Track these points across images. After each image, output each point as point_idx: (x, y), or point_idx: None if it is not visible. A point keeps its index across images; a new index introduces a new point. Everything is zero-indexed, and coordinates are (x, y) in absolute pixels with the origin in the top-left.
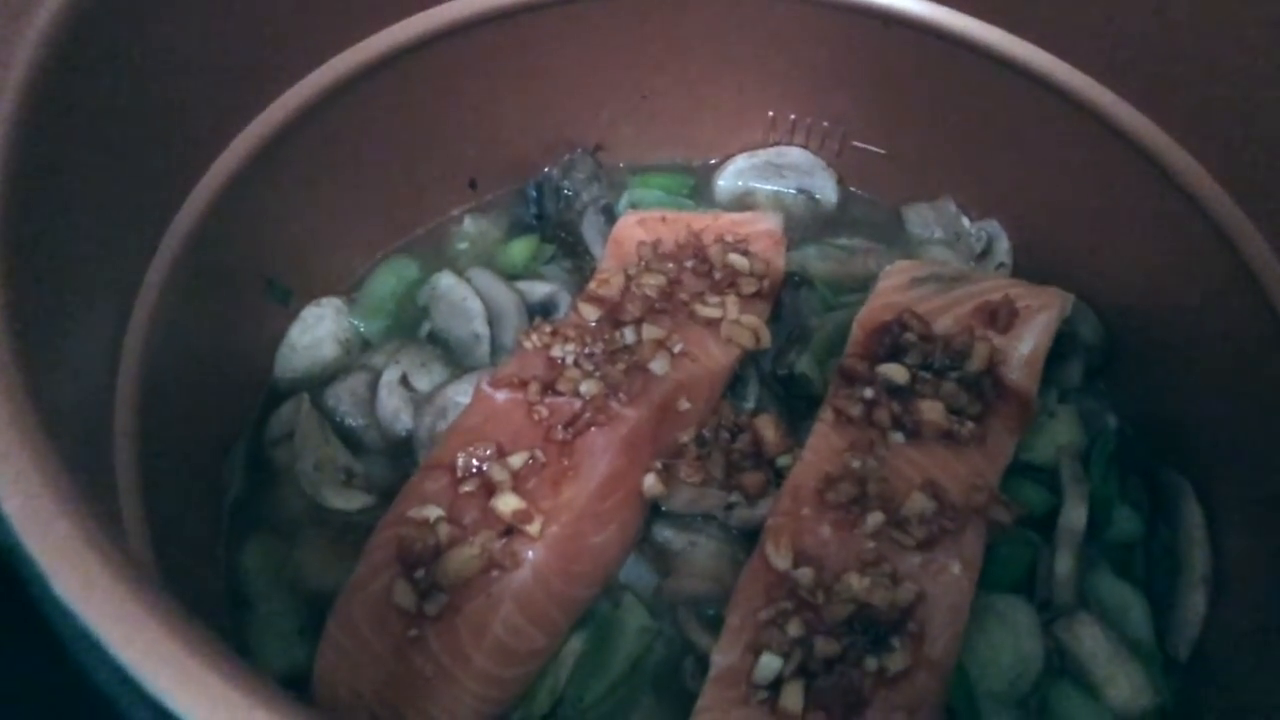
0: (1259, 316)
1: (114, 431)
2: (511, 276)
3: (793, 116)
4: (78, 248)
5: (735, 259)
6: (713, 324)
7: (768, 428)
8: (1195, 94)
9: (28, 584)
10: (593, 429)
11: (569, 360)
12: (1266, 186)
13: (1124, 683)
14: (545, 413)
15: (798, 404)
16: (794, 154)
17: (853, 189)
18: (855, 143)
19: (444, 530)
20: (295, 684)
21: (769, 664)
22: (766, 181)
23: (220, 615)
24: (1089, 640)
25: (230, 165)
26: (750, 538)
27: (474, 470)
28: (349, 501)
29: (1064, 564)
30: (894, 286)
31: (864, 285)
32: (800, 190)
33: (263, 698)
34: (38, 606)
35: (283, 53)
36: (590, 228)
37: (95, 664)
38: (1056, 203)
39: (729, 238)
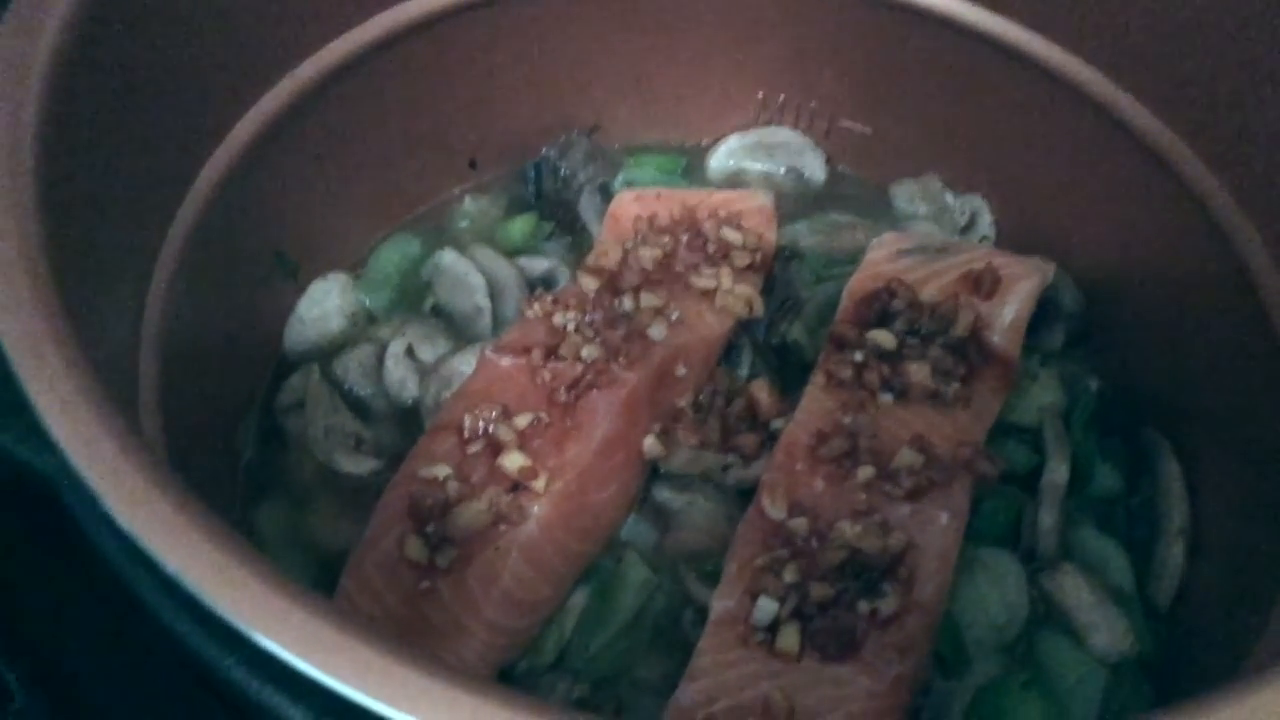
0: (1232, 281)
1: (139, 403)
2: (511, 253)
3: (782, 97)
4: (104, 220)
5: (729, 233)
6: (708, 294)
7: (762, 392)
8: (1171, 67)
9: (73, 508)
10: (594, 391)
11: (570, 327)
12: (1239, 154)
13: (1106, 630)
14: (548, 376)
15: (790, 371)
16: (784, 134)
17: (841, 167)
18: (843, 122)
19: (453, 487)
20: None
21: (766, 607)
22: (757, 161)
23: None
24: (1072, 590)
25: (240, 142)
26: (746, 496)
27: (481, 431)
28: (359, 465)
29: (1048, 517)
30: (882, 257)
31: (853, 258)
32: (790, 169)
33: (303, 601)
34: (84, 528)
35: (288, 34)
36: (587, 206)
37: (141, 579)
38: (1037, 177)
39: (722, 213)
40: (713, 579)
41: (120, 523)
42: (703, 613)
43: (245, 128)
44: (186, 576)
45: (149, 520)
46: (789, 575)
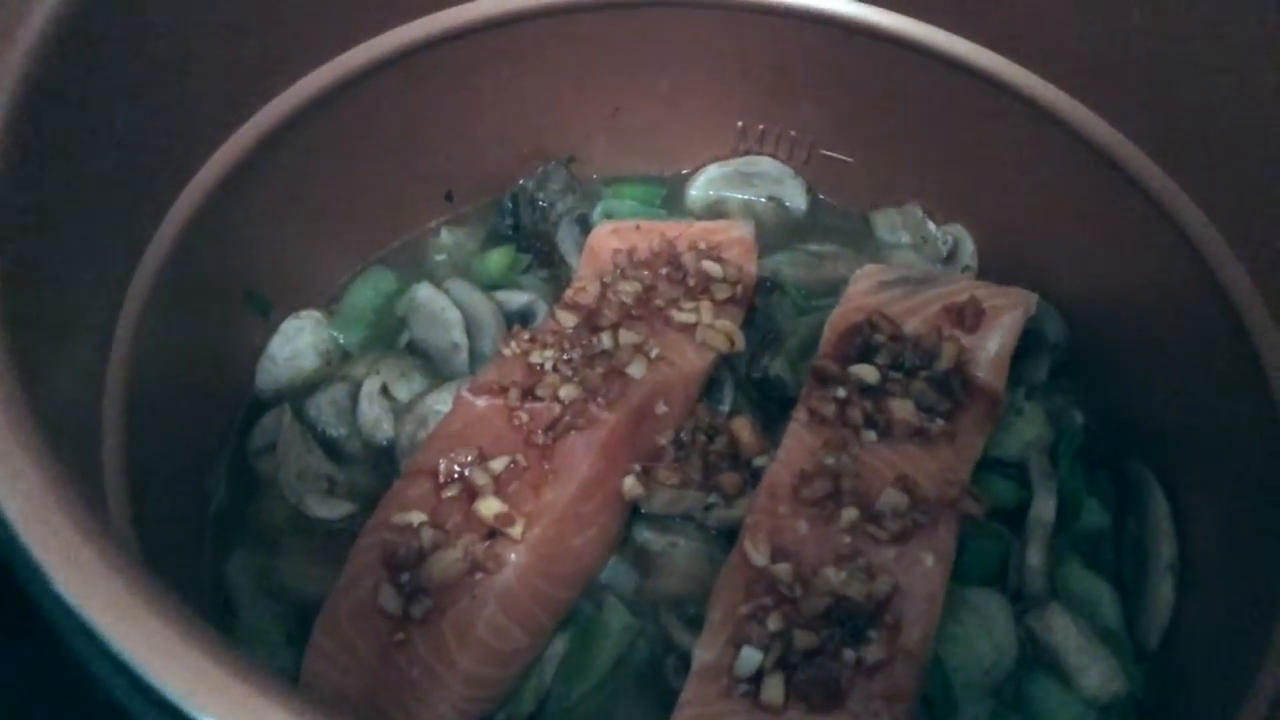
0: (1217, 312)
1: (101, 442)
2: (489, 287)
3: (761, 126)
4: (65, 260)
5: (709, 265)
6: (688, 329)
7: (744, 429)
8: (1153, 97)
9: (26, 582)
10: (572, 433)
11: (548, 366)
12: (1223, 185)
13: (1095, 671)
14: (525, 417)
15: (772, 406)
16: (763, 163)
17: (821, 196)
18: (823, 151)
19: (427, 534)
20: None
21: (750, 657)
22: (737, 190)
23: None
24: (1060, 630)
25: (209, 179)
26: (728, 537)
27: (456, 475)
28: (332, 510)
29: (1035, 556)
30: (864, 290)
31: (834, 289)
32: (770, 198)
33: (259, 684)
34: (35, 603)
35: (259, 69)
36: (566, 238)
37: (92, 654)
38: (1020, 206)
39: (702, 245)
40: (696, 623)
41: (71, 605)
42: (685, 659)
43: (215, 164)
44: (138, 662)
45: (104, 607)
46: (773, 623)
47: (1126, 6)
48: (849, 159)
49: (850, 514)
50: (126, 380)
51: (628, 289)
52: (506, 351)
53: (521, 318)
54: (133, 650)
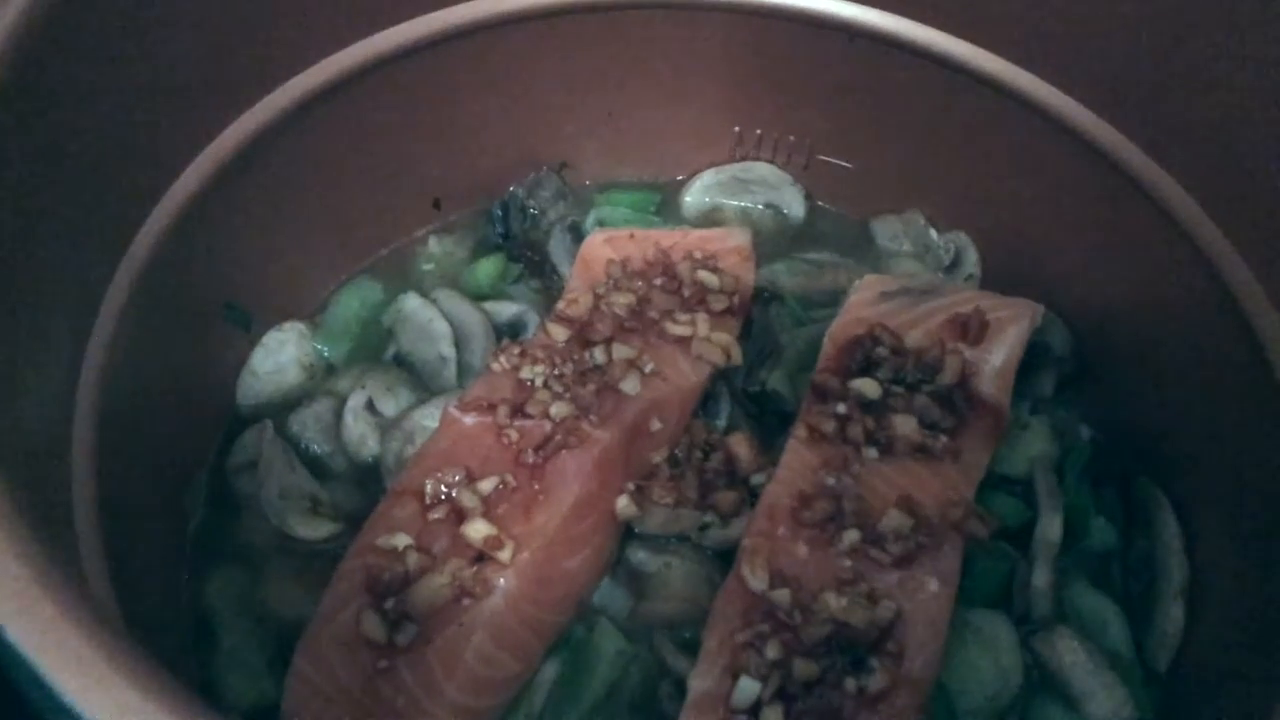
0: (1228, 324)
1: (71, 462)
2: (478, 297)
3: (759, 131)
4: (31, 275)
5: (704, 276)
6: (683, 342)
7: (741, 446)
8: (1161, 104)
9: None
10: (564, 452)
11: (538, 382)
12: (1234, 194)
13: (1104, 696)
14: (515, 436)
15: (770, 421)
16: (761, 169)
17: (820, 203)
18: (821, 156)
19: (413, 559)
20: (263, 718)
21: (748, 688)
22: (734, 197)
23: (185, 649)
24: (1068, 654)
25: (188, 189)
26: (725, 558)
27: (443, 496)
28: (315, 530)
29: (1041, 577)
30: (864, 300)
31: (834, 300)
32: (768, 205)
33: None
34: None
35: (241, 74)
36: (557, 246)
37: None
38: (1024, 214)
39: (698, 254)
40: (691, 648)
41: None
42: (680, 685)
43: (194, 172)
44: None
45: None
46: (771, 652)
47: (1130, 11)
48: (848, 164)
49: (851, 536)
50: (100, 395)
51: (621, 301)
52: (495, 366)
53: (512, 329)
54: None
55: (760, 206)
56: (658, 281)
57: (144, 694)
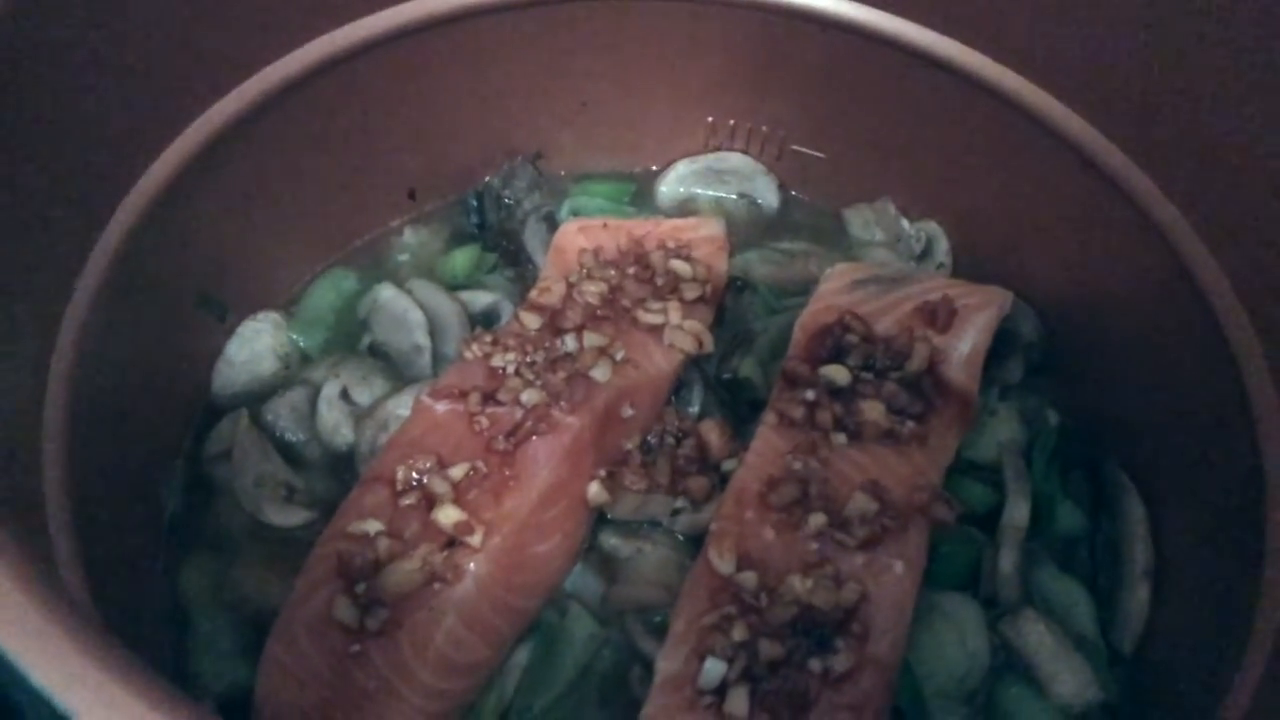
0: (1193, 311)
1: (43, 451)
2: (453, 287)
3: (732, 122)
4: (3, 261)
5: (677, 265)
6: (655, 330)
7: (712, 432)
8: (1127, 93)
9: None
10: (534, 438)
11: (510, 369)
12: (1199, 184)
13: (1069, 678)
14: (486, 423)
15: (742, 408)
16: (734, 159)
17: (793, 192)
18: (794, 146)
19: (384, 544)
20: (238, 703)
21: (714, 669)
22: (707, 187)
23: (160, 636)
24: (1034, 636)
25: (161, 177)
26: (696, 543)
27: (414, 483)
28: (289, 517)
29: (1008, 560)
30: (835, 289)
31: (805, 288)
32: (741, 195)
33: None
34: None
35: (214, 62)
36: (532, 236)
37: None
38: (995, 203)
39: (671, 243)
40: (662, 631)
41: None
42: (651, 668)
43: (165, 162)
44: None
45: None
46: (737, 633)
47: (1103, 6)
48: (821, 155)
49: (818, 520)
50: (71, 387)
51: (593, 289)
52: (468, 354)
53: (486, 319)
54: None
55: (734, 196)
56: (631, 270)
57: (117, 681)
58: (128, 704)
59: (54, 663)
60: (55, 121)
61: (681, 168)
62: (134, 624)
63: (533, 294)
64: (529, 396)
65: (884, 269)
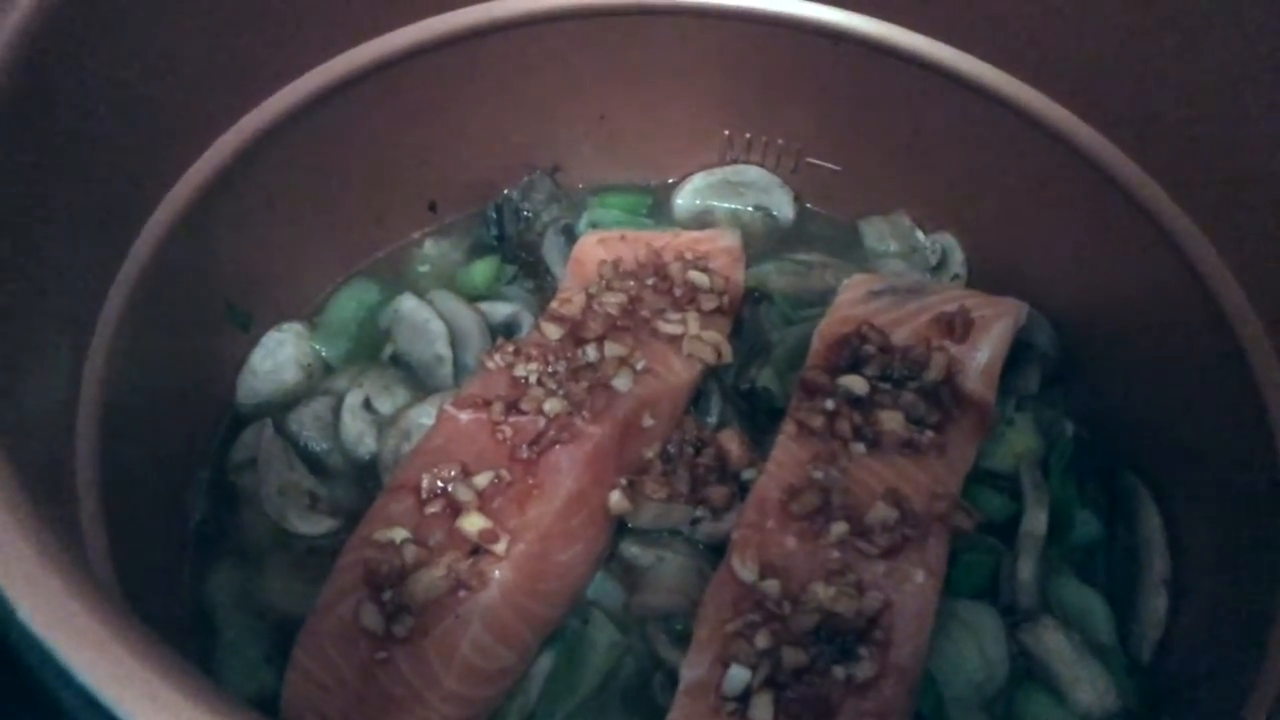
0: (1208, 321)
1: (75, 460)
2: (473, 298)
3: (748, 135)
4: (35, 275)
5: (695, 276)
6: (674, 340)
7: (731, 442)
8: (1143, 105)
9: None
10: (557, 447)
11: (532, 379)
12: (1213, 195)
13: (1088, 686)
14: (509, 432)
15: (760, 418)
16: (751, 172)
17: (809, 205)
18: (810, 159)
19: (410, 552)
20: (263, 710)
21: (738, 676)
22: (724, 200)
23: (186, 643)
24: (1053, 644)
25: (187, 191)
26: (716, 552)
27: (439, 491)
28: (314, 525)
29: (1026, 569)
30: (852, 300)
31: (822, 299)
32: (758, 207)
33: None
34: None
35: (239, 79)
36: (551, 248)
37: (62, 690)
38: (1009, 214)
39: (688, 255)
40: (683, 639)
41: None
42: (673, 676)
43: (194, 174)
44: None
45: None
46: (761, 641)
47: (1115, 15)
48: (837, 167)
49: (839, 528)
50: (102, 394)
51: (613, 300)
52: (490, 365)
53: (506, 329)
54: (101, 685)
55: (750, 209)
56: (649, 281)
57: (157, 672)
58: (180, 706)
59: (98, 658)
60: (88, 138)
61: (698, 180)
62: (161, 631)
63: (554, 305)
64: (551, 406)
65: (900, 280)
